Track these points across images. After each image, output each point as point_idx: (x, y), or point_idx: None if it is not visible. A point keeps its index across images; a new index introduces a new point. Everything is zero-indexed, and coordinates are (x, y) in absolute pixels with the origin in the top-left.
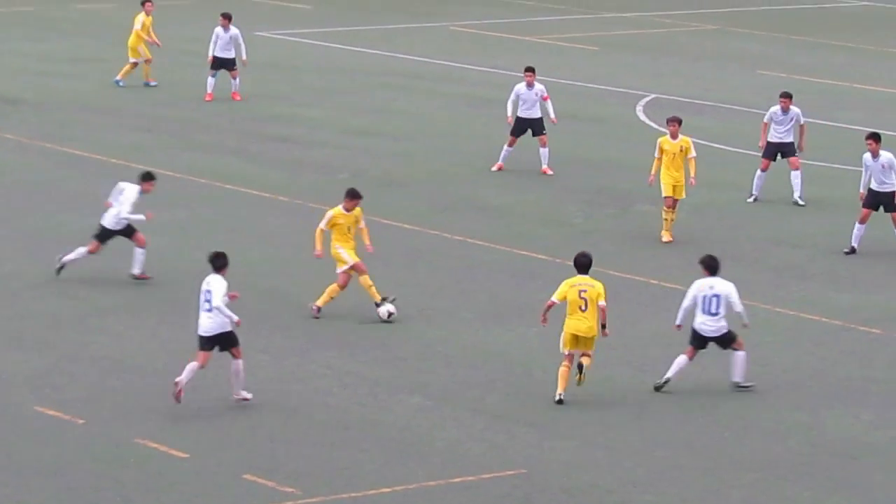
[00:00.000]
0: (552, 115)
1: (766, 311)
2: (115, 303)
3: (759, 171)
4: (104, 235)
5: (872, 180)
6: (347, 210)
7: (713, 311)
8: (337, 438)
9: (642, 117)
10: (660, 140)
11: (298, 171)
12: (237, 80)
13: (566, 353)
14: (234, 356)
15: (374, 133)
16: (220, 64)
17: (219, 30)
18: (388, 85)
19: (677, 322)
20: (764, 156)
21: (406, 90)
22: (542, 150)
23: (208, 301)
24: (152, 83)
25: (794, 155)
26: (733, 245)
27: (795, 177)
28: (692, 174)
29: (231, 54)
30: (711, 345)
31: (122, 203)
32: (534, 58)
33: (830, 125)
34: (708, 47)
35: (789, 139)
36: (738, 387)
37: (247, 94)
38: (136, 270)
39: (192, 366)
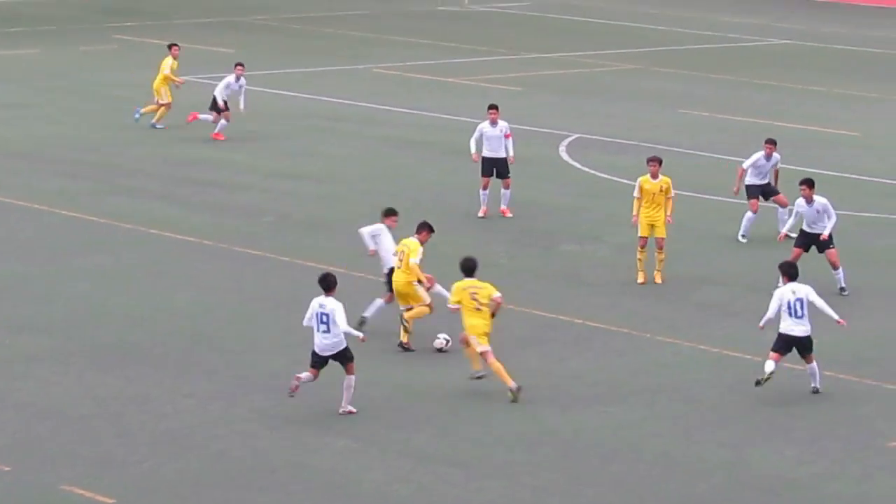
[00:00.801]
0: (510, 154)
1: (690, 348)
2: (41, 349)
3: (749, 214)
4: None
5: (805, 223)
6: (423, 243)
7: (799, 314)
8: (264, 482)
9: (566, 157)
10: (640, 179)
11: (223, 214)
12: (227, 123)
13: (481, 350)
14: (348, 372)
15: (299, 176)
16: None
17: (231, 78)
18: (313, 128)
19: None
20: (751, 197)
21: (330, 133)
22: (504, 191)
23: (325, 322)
24: (159, 126)
25: (777, 194)
26: (656, 283)
27: (784, 213)
28: (669, 213)
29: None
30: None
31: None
32: (457, 98)
33: None
34: (630, 87)
35: (768, 181)
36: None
37: (172, 138)
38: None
39: (307, 376)
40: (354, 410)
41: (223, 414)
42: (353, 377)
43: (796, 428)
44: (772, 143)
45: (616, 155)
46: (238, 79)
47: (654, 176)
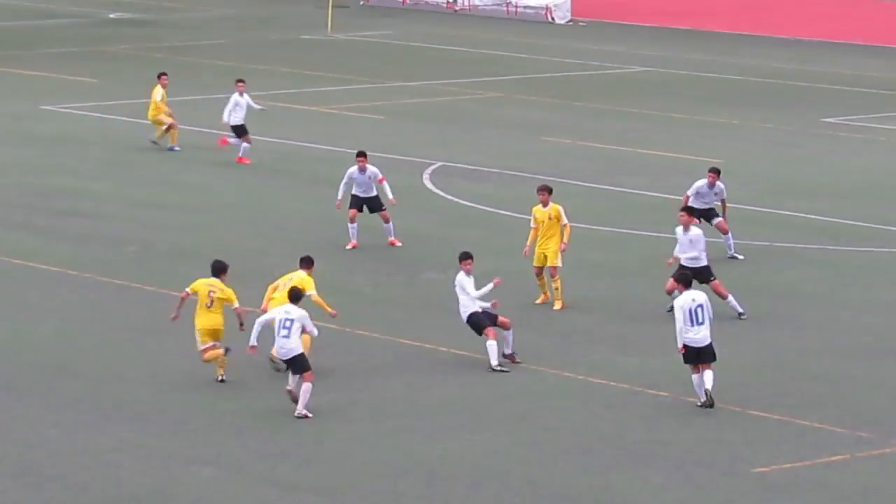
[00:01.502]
0: (390, 196)
1: (555, 375)
2: None
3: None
4: None
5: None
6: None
7: (700, 320)
8: None
9: (429, 185)
10: (533, 209)
11: (87, 244)
12: (248, 145)
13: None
14: (304, 379)
15: (162, 205)
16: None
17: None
18: (175, 157)
19: (680, 344)
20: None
21: (192, 162)
22: (385, 225)
23: (287, 328)
24: (176, 147)
25: (719, 217)
26: (520, 310)
27: (728, 238)
28: (564, 239)
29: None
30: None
31: None
32: (320, 127)
33: (615, 190)
34: (492, 115)
35: (712, 206)
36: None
37: (35, 168)
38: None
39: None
40: (310, 415)
41: (88, 444)
42: (308, 384)
43: (661, 454)
44: (715, 172)
45: (479, 183)
46: (242, 94)
47: (545, 204)
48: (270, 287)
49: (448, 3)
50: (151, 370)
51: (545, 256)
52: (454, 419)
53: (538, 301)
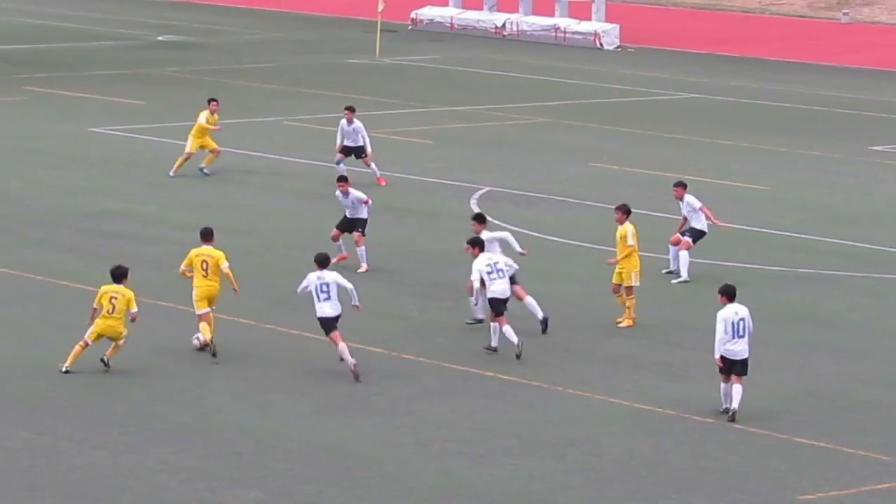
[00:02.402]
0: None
1: (601, 401)
2: None
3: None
4: None
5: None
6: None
7: (741, 334)
8: None
9: (476, 210)
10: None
11: (133, 266)
12: (373, 166)
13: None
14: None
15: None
16: (348, 151)
17: (343, 122)
18: (223, 180)
19: (717, 355)
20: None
21: (240, 185)
22: (357, 249)
23: (325, 291)
24: (207, 170)
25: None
26: (567, 336)
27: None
28: (617, 257)
29: (358, 142)
30: None
31: None
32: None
33: (661, 216)
34: (540, 140)
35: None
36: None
37: (81, 190)
38: None
39: (342, 346)
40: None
41: (133, 466)
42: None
43: (705, 480)
44: (681, 185)
45: (526, 208)
46: (350, 123)
47: (620, 223)
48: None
49: (496, 27)
50: (196, 393)
51: (620, 274)
52: (499, 444)
53: (617, 320)
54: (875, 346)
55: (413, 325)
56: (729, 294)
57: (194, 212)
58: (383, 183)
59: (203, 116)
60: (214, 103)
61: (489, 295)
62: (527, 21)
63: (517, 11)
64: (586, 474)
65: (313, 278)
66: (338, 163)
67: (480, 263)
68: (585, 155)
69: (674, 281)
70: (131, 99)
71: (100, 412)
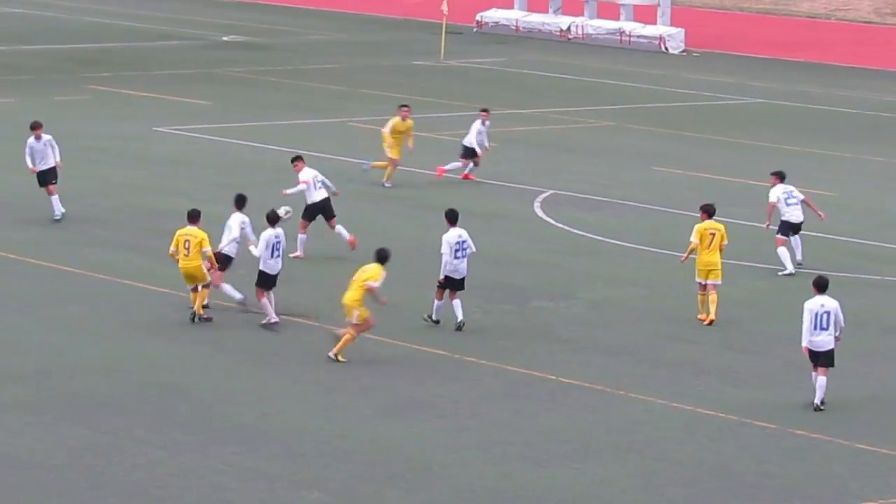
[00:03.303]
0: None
1: (663, 405)
2: (13, 399)
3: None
4: None
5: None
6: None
7: (824, 326)
8: None
9: (540, 213)
10: (697, 226)
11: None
12: (478, 166)
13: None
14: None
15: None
16: (468, 154)
17: (478, 122)
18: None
19: (803, 344)
20: (782, 233)
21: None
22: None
23: (279, 249)
24: (387, 184)
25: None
26: (629, 340)
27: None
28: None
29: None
30: None
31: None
32: (431, 155)
33: (723, 221)
34: (604, 144)
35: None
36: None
37: (146, 189)
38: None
39: (264, 302)
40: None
41: (195, 465)
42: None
43: (767, 486)
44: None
45: (590, 212)
46: (484, 122)
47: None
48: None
49: (561, 30)
50: (258, 393)
51: (708, 273)
52: (562, 448)
53: (700, 317)
54: None
55: (476, 328)
56: (818, 286)
57: (257, 212)
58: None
59: (389, 125)
60: (405, 109)
61: (446, 271)
62: (592, 24)
63: (582, 15)
64: (647, 479)
65: (270, 235)
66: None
67: (451, 237)
68: (649, 159)
69: (781, 273)
70: (196, 99)
71: (162, 412)
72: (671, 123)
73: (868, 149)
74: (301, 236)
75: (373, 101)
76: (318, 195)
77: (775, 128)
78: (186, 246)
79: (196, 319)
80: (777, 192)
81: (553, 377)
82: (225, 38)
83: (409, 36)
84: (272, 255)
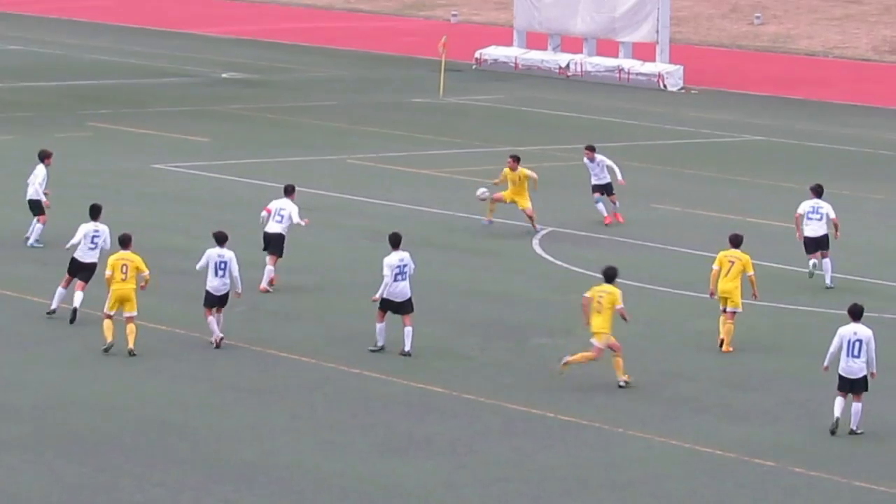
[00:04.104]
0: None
1: (661, 443)
2: (10, 437)
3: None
4: None
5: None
6: None
7: (855, 353)
8: None
9: (538, 250)
10: (720, 253)
11: (195, 304)
12: (617, 203)
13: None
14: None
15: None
16: (601, 190)
17: (586, 161)
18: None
19: (825, 364)
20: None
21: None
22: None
23: (223, 269)
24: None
25: (827, 248)
26: (635, 375)
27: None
28: (753, 289)
29: (606, 179)
30: None
31: None
32: (431, 191)
33: None
34: None
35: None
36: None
37: (145, 226)
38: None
39: (213, 319)
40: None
41: (194, 503)
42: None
43: None
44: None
45: (589, 249)
46: (592, 160)
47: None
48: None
49: (560, 68)
50: (257, 430)
51: (726, 300)
52: (560, 485)
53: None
54: None
55: (475, 365)
56: (853, 313)
57: (255, 249)
58: (611, 221)
59: (501, 175)
60: (513, 160)
61: (386, 294)
62: (591, 62)
63: (581, 52)
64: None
65: (213, 254)
66: (596, 202)
67: (392, 260)
68: (648, 196)
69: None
70: (195, 136)
71: (161, 449)
72: (670, 161)
73: (867, 186)
74: (268, 268)
75: (372, 137)
76: (272, 227)
77: (775, 165)
78: (124, 270)
79: (105, 350)
80: (804, 206)
81: (551, 414)
82: (224, 75)
83: (409, 73)
84: (216, 275)
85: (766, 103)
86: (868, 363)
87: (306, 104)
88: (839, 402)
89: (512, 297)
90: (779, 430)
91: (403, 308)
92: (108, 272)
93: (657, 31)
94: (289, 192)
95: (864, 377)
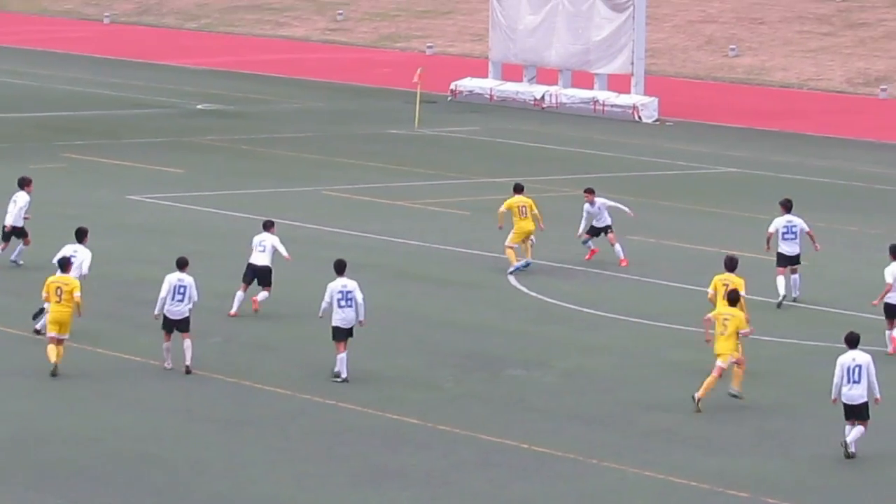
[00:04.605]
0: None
1: (636, 474)
2: None
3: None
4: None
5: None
6: None
7: (856, 379)
8: None
9: (514, 282)
10: (714, 278)
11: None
12: (616, 245)
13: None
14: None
15: (246, 297)
16: (594, 232)
17: (586, 206)
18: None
19: (833, 397)
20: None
21: (278, 254)
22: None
23: (182, 293)
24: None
25: (798, 264)
26: (603, 409)
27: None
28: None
29: (606, 221)
30: None
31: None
32: (407, 222)
33: (697, 289)
34: (578, 212)
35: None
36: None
37: (119, 258)
38: None
39: (165, 346)
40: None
41: None
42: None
43: None
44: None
45: (564, 280)
46: (593, 204)
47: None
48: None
49: (535, 99)
50: (232, 462)
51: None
52: None
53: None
54: None
55: (450, 396)
56: (850, 341)
57: (232, 280)
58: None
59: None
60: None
61: (333, 322)
62: (566, 93)
63: (556, 83)
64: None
65: (173, 279)
66: (584, 242)
67: (335, 286)
68: (623, 228)
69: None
70: (170, 167)
71: (135, 481)
72: (645, 192)
73: (842, 218)
74: (238, 294)
75: (347, 169)
76: (256, 259)
77: (750, 197)
78: (59, 293)
79: (52, 374)
80: (776, 224)
81: (526, 446)
82: (199, 107)
83: (384, 104)
84: (173, 299)
85: (741, 135)
86: (869, 388)
87: (281, 135)
88: (848, 428)
89: (487, 329)
90: (754, 460)
91: (348, 334)
92: (44, 294)
93: (632, 63)
94: (268, 227)
95: (866, 403)
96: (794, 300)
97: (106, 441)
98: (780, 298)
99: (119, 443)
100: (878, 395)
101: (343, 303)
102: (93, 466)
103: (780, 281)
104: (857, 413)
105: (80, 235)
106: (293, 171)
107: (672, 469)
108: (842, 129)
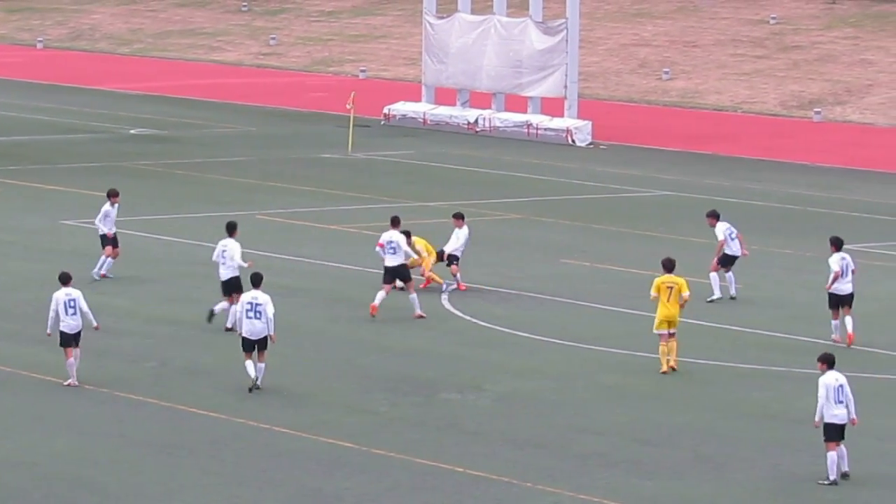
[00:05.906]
0: None
1: (571, 498)
2: None
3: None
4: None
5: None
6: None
7: (840, 399)
8: None
9: (447, 306)
10: (655, 280)
11: (104, 360)
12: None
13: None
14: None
15: (180, 321)
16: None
17: (456, 230)
18: (193, 273)
19: (816, 419)
20: (721, 263)
21: (211, 279)
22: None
23: (74, 307)
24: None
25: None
26: (538, 432)
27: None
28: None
29: (460, 250)
30: None
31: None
32: (341, 246)
33: (632, 313)
34: (512, 236)
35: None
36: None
37: (54, 282)
38: None
39: (69, 362)
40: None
41: None
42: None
43: None
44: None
45: (498, 304)
46: (461, 228)
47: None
48: None
49: (469, 123)
50: (167, 486)
51: (669, 323)
52: None
53: (663, 370)
54: (850, 444)
55: (384, 420)
56: (828, 361)
57: (165, 305)
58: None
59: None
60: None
61: (242, 333)
62: (499, 117)
63: (490, 107)
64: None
65: (62, 295)
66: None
67: (246, 297)
68: (557, 251)
69: (708, 300)
70: (103, 192)
71: None
72: (580, 216)
73: (776, 241)
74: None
75: (281, 193)
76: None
77: (684, 220)
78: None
79: None
80: (721, 230)
81: (461, 469)
82: (132, 132)
83: (317, 129)
84: (67, 313)
85: (675, 158)
86: (847, 407)
87: (215, 160)
88: (832, 455)
89: (421, 353)
90: (687, 484)
91: (261, 345)
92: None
93: (565, 87)
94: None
95: (845, 425)
96: (731, 298)
97: (41, 465)
98: (716, 297)
99: (54, 467)
100: (855, 417)
101: (251, 314)
102: (28, 491)
103: (715, 278)
104: (841, 433)
105: (231, 229)
106: (227, 196)
107: (607, 492)
108: (776, 152)
